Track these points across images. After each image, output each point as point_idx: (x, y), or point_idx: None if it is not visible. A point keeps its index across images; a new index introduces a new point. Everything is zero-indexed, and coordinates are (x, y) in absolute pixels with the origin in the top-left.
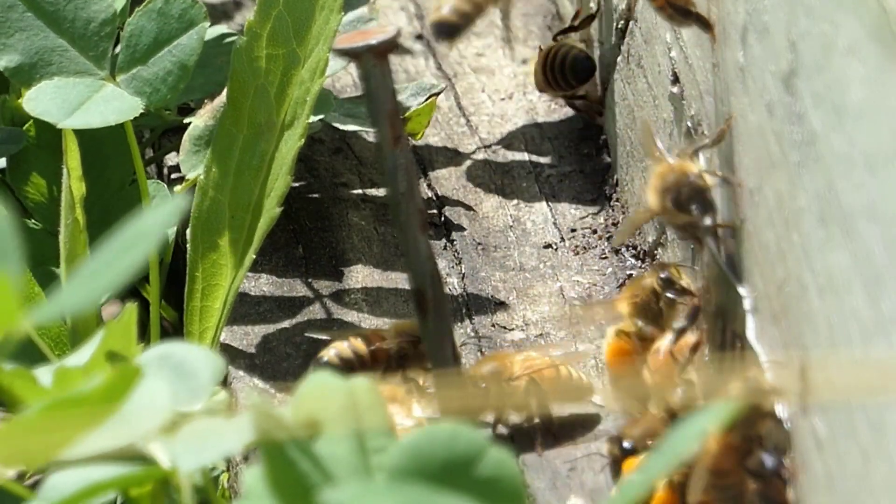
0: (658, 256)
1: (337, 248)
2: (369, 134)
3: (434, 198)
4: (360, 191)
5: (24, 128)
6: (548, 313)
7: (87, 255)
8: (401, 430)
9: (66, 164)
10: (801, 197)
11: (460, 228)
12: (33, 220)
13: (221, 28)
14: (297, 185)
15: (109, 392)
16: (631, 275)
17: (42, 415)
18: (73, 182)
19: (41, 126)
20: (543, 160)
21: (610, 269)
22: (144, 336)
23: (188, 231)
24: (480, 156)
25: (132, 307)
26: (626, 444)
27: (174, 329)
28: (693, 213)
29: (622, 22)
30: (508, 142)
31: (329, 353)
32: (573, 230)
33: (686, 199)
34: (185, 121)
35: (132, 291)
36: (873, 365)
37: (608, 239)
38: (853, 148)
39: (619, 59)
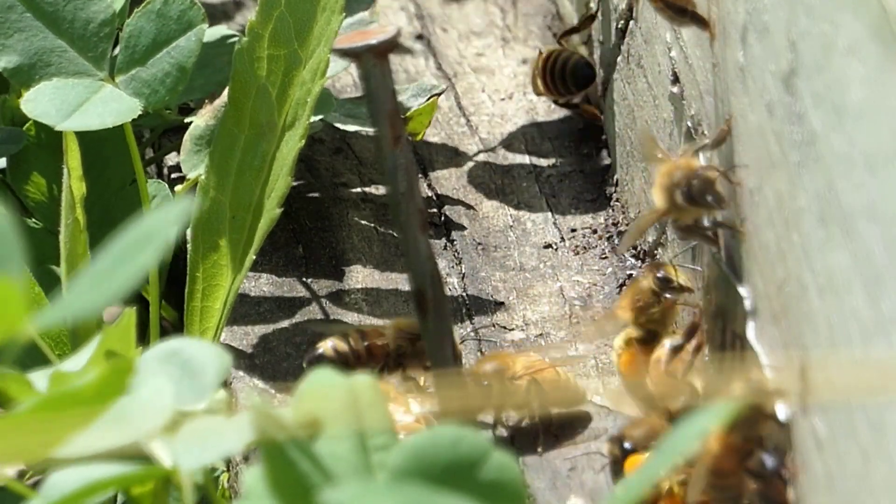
0: (658, 256)
1: (337, 248)
2: (370, 133)
3: (434, 197)
4: (360, 190)
5: (25, 127)
6: (548, 313)
7: (88, 256)
8: (399, 427)
9: (66, 164)
10: (801, 197)
11: (460, 228)
12: (34, 220)
13: (222, 28)
14: (297, 184)
15: (103, 388)
16: (631, 275)
17: (35, 411)
18: (74, 182)
19: (41, 125)
20: (543, 160)
21: (610, 269)
22: (144, 336)
23: (188, 231)
24: (480, 156)
25: (131, 311)
26: (626, 445)
27: (174, 329)
28: (707, 204)
29: (622, 22)
30: (508, 142)
31: (325, 346)
32: (573, 230)
33: (698, 191)
34: (186, 120)
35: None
36: (873, 365)
37: (608, 239)
38: (853, 148)
39: (619, 59)
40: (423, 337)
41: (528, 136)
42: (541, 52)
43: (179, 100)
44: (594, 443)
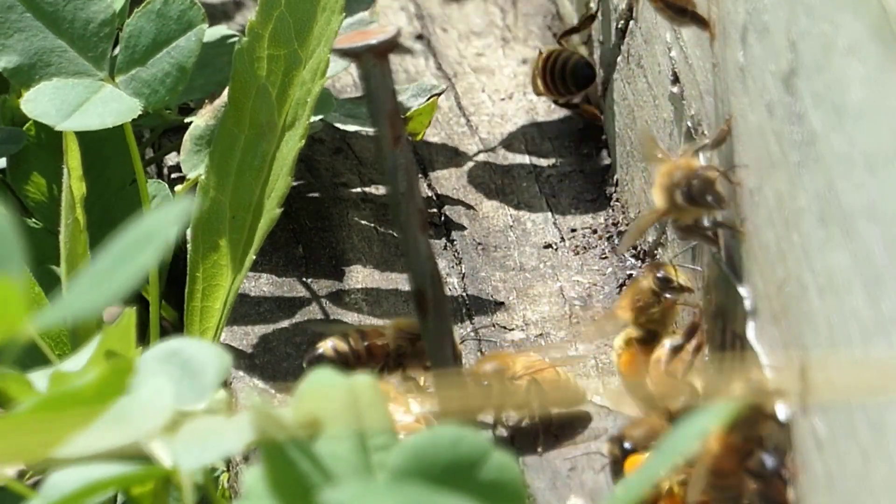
0: (658, 256)
1: (337, 248)
2: (370, 133)
3: (434, 197)
4: (360, 190)
5: (25, 127)
6: (548, 313)
7: (88, 256)
8: (399, 427)
9: (66, 164)
10: (801, 197)
11: (460, 228)
12: (34, 220)
13: (222, 28)
14: (297, 184)
15: (103, 388)
16: (631, 275)
17: (35, 411)
18: (74, 182)
19: (41, 125)
20: (543, 160)
21: (610, 269)
22: (144, 336)
23: (188, 231)
24: (480, 156)
25: (131, 311)
26: (626, 445)
27: (174, 329)
28: (707, 204)
29: (622, 22)
30: (508, 142)
31: (325, 346)
32: (573, 230)
33: (698, 191)
34: (186, 120)
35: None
36: (873, 365)
37: (608, 239)
38: (853, 148)
39: (619, 58)
40: (423, 337)
41: (528, 136)
42: (541, 52)
43: (179, 100)
44: (594, 443)
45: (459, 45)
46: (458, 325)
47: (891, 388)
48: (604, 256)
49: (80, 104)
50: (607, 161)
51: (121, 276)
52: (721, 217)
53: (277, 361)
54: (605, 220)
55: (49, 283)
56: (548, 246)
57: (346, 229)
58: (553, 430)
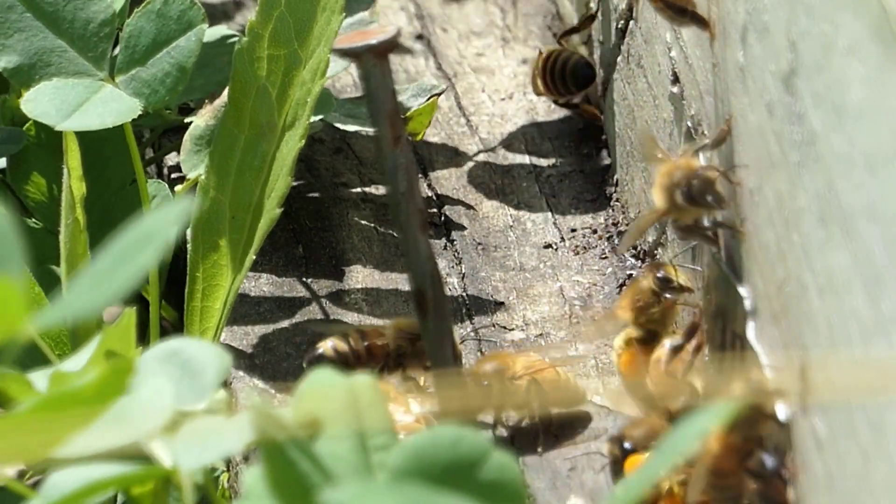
0: (658, 256)
1: (337, 248)
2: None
3: (434, 197)
4: (360, 190)
5: (25, 127)
6: (548, 313)
7: (88, 256)
8: (399, 427)
9: (66, 164)
10: (801, 197)
11: (460, 228)
12: (34, 220)
13: (222, 28)
14: (297, 184)
15: (102, 388)
16: (631, 275)
17: (35, 411)
18: (74, 182)
19: (41, 125)
20: (543, 160)
21: (610, 269)
22: (144, 336)
23: (188, 231)
24: (480, 156)
25: (131, 311)
26: (626, 445)
27: (174, 329)
28: (707, 204)
29: (622, 22)
30: (508, 142)
31: (325, 346)
32: (573, 230)
33: (698, 191)
34: (186, 120)
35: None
36: (873, 365)
37: (608, 239)
38: (853, 148)
39: (619, 58)
40: (423, 337)
41: (528, 136)
42: (541, 52)
43: (179, 100)
44: (594, 443)
45: (459, 45)
46: (458, 325)
47: (891, 388)
48: (604, 256)
49: (79, 104)
50: (607, 161)
51: (121, 277)
52: (721, 217)
53: (277, 361)
54: (605, 220)
55: (49, 283)
56: (548, 246)
57: (346, 229)
58: (553, 430)
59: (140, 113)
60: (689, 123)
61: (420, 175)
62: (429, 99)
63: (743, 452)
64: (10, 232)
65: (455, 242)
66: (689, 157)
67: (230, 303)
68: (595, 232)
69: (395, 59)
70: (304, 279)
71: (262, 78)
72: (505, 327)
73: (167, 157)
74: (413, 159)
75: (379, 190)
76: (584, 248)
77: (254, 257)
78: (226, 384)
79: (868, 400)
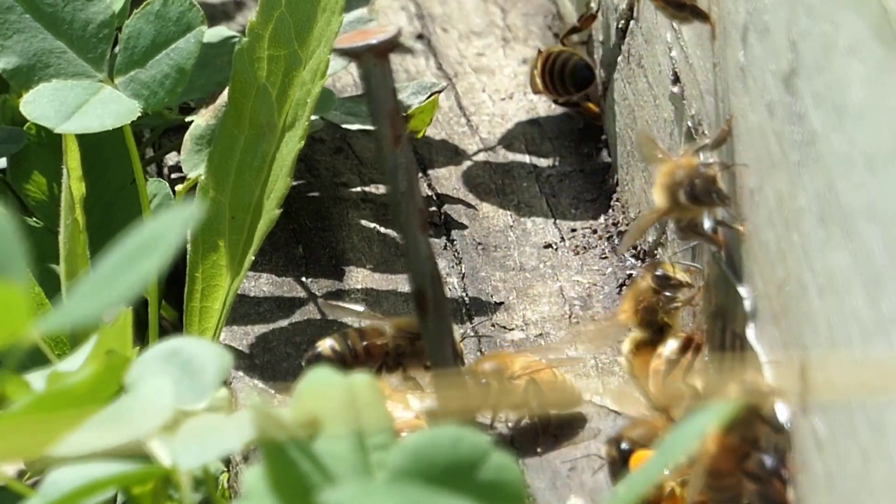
0: (658, 256)
1: (337, 248)
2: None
3: (434, 197)
4: (360, 190)
5: (25, 127)
6: (548, 313)
7: (87, 256)
8: (399, 423)
9: (65, 165)
10: (801, 197)
11: (460, 228)
12: (34, 219)
13: (222, 28)
14: (297, 184)
15: (97, 384)
16: (631, 275)
17: (30, 409)
18: (73, 182)
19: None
20: (543, 160)
21: (610, 269)
22: (144, 336)
23: (188, 231)
24: (481, 155)
25: (127, 311)
26: (624, 446)
27: (174, 329)
28: (711, 201)
29: (623, 22)
30: (509, 141)
31: (324, 345)
32: (573, 230)
33: (701, 189)
34: (187, 120)
35: None
36: (873, 365)
37: (608, 239)
38: (853, 148)
39: (619, 58)
40: (423, 337)
41: (528, 136)
42: (540, 52)
43: (179, 100)
44: (594, 443)
45: (460, 44)
46: (458, 325)
47: (891, 388)
48: (604, 256)
49: (79, 106)
50: (607, 161)
51: (123, 283)
52: (722, 216)
53: (277, 361)
54: (605, 220)
55: (49, 281)
56: (548, 246)
57: (346, 229)
58: (552, 430)
59: (139, 114)
60: (690, 123)
61: (420, 174)
62: (429, 97)
63: (740, 453)
64: (12, 236)
65: (455, 242)
66: (690, 156)
67: (229, 303)
68: (595, 232)
69: (395, 59)
70: (304, 279)
71: (262, 78)
72: (505, 327)
73: (167, 156)
74: (413, 159)
75: (379, 190)
76: (584, 248)
77: (253, 258)
78: (225, 384)
79: (868, 400)
